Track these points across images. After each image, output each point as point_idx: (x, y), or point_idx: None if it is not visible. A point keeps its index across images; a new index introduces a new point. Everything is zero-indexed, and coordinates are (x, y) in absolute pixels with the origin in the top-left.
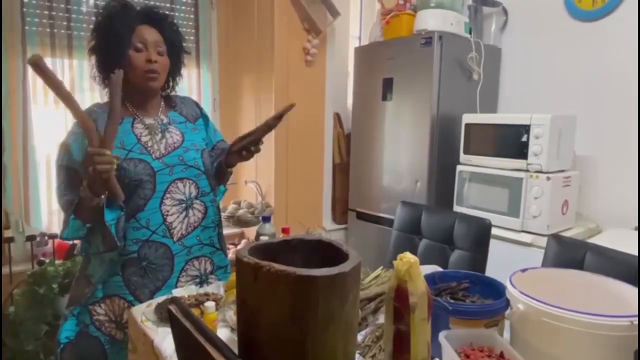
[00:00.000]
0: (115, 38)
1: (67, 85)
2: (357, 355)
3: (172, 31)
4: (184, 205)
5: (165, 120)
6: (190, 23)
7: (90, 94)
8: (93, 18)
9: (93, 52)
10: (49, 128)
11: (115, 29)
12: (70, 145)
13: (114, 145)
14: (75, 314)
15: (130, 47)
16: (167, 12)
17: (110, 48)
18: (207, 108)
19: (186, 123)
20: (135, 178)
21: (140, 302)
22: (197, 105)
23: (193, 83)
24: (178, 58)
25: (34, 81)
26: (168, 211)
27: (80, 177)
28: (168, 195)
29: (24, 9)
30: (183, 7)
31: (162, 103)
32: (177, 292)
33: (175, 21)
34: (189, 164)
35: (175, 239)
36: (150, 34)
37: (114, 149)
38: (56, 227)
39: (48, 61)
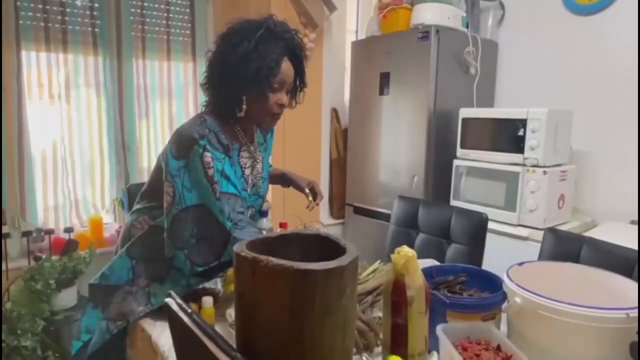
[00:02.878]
0: (259, 75)
1: (62, 81)
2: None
3: (303, 66)
4: None
5: (253, 147)
6: (186, 17)
7: (86, 89)
8: (88, 12)
9: (219, 73)
10: (44, 123)
11: (261, 66)
12: (228, 173)
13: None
14: (112, 330)
15: (268, 87)
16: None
17: (247, 83)
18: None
19: (263, 144)
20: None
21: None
22: None
23: (189, 77)
24: (297, 92)
25: (29, 76)
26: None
27: (243, 200)
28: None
29: (18, 3)
30: (179, 1)
31: (255, 126)
32: None
33: (305, 51)
34: (261, 194)
35: None
36: (289, 74)
37: (228, 179)
38: (52, 223)
39: (42, 56)
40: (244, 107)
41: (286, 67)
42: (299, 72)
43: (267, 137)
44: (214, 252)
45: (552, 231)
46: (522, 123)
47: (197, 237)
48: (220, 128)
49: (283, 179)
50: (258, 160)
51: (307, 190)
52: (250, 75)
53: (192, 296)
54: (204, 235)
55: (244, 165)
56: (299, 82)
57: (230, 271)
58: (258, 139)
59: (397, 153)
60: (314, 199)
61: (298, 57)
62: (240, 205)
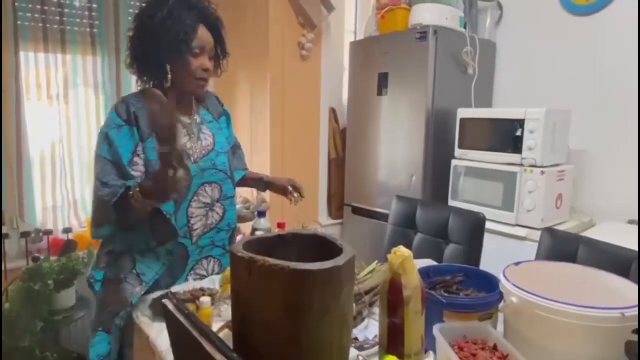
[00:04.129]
0: (177, 40)
1: (60, 81)
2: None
3: (222, 35)
4: (207, 208)
5: (199, 120)
6: None
7: (84, 89)
8: (87, 12)
9: (141, 47)
10: (42, 124)
11: (178, 31)
12: (113, 138)
13: (112, 144)
14: (120, 324)
15: (189, 52)
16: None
17: (168, 50)
18: None
19: (214, 122)
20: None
21: None
22: (219, 101)
23: None
24: (220, 60)
25: (27, 77)
26: (193, 213)
27: (120, 168)
28: (196, 199)
29: (16, 4)
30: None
31: (194, 100)
32: (173, 288)
33: (222, 21)
34: (219, 168)
35: (193, 240)
36: (208, 40)
37: (156, 151)
38: (51, 223)
39: (41, 57)
40: (169, 76)
41: (203, 33)
42: (218, 40)
43: (222, 120)
44: (107, 212)
45: (549, 231)
46: (520, 123)
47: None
48: (141, 99)
49: (260, 183)
50: (204, 133)
51: (290, 189)
52: (169, 41)
53: (190, 297)
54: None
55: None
56: (220, 51)
57: (227, 272)
58: (204, 116)
59: (395, 153)
60: (299, 194)
61: (215, 26)
62: (108, 171)
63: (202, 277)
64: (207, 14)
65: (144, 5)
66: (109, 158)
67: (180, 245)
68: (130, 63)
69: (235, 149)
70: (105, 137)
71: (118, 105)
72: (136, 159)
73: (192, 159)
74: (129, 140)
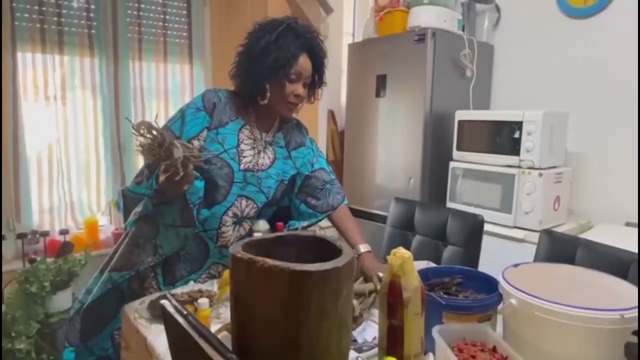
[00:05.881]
0: (276, 64)
1: (57, 82)
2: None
3: (322, 65)
4: (236, 219)
5: (269, 139)
6: (183, 19)
7: (82, 91)
8: (85, 13)
9: (244, 64)
10: (39, 125)
11: (279, 56)
12: (187, 117)
13: (217, 140)
14: (117, 280)
15: (285, 76)
16: (323, 46)
17: (265, 71)
18: None
19: (283, 149)
20: (215, 179)
21: (165, 284)
22: (306, 132)
23: (186, 79)
24: (315, 89)
25: (24, 78)
26: (226, 222)
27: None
28: (232, 208)
29: (13, 4)
30: (176, 3)
31: (277, 122)
32: (172, 290)
33: (326, 52)
34: (263, 190)
35: (218, 244)
36: (306, 67)
37: (215, 142)
38: (47, 225)
39: (38, 57)
40: (268, 94)
41: (304, 61)
42: (318, 69)
43: (300, 150)
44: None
45: (547, 233)
46: (518, 125)
47: None
48: (232, 102)
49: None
50: (266, 153)
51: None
52: (269, 64)
53: (188, 298)
54: None
55: (241, 140)
56: (317, 79)
57: (226, 274)
58: (277, 140)
59: (393, 155)
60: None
61: (317, 56)
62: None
63: (212, 277)
64: (312, 44)
65: (256, 24)
66: (174, 131)
67: (204, 244)
68: (234, 75)
69: (317, 182)
70: (182, 114)
71: (207, 91)
72: (194, 142)
73: (240, 165)
74: (199, 124)
